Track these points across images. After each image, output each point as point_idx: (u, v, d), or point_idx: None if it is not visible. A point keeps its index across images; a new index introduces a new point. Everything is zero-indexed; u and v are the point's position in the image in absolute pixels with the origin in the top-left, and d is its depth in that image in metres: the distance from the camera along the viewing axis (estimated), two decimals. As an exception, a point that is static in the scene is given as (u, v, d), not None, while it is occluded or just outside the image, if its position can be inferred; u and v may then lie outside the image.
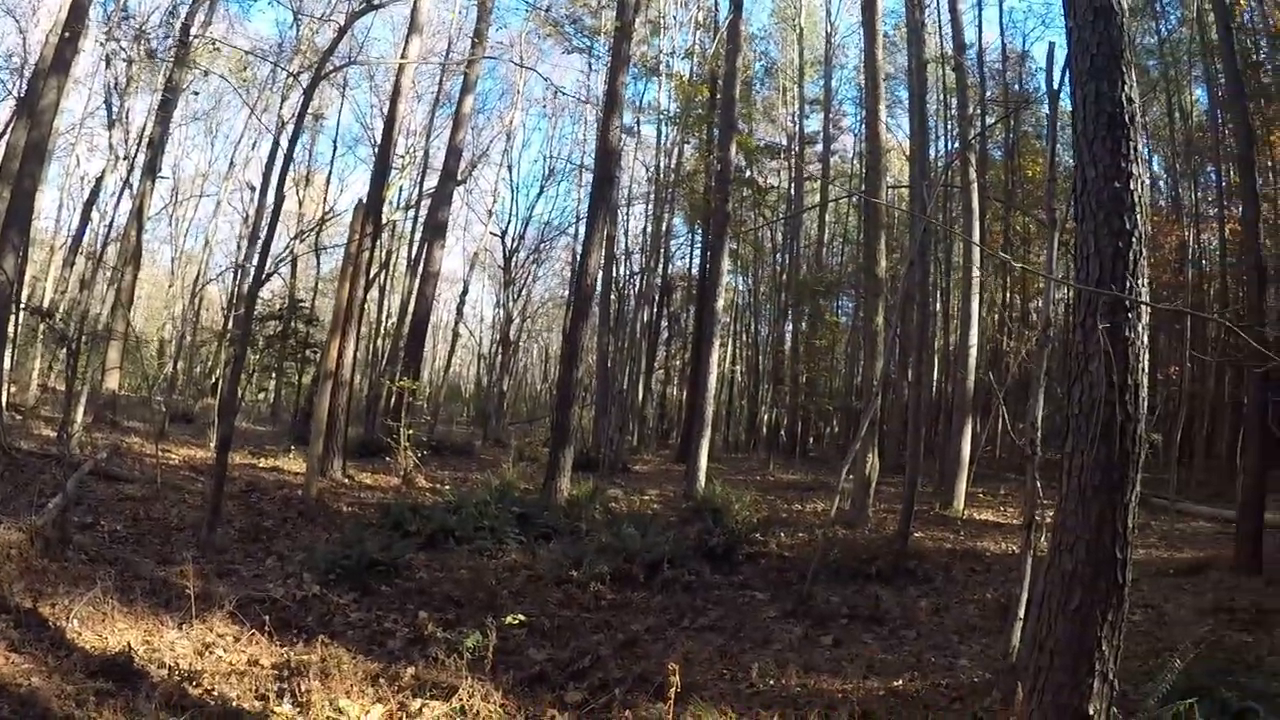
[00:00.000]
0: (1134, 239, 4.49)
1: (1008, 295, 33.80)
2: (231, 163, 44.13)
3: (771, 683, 7.10)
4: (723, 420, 41.13)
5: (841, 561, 11.69)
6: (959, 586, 11.54)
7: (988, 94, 31.70)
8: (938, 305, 31.68)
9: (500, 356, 42.16)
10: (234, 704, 5.89)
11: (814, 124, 40.71)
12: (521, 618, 7.85)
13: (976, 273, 21.22)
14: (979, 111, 27.90)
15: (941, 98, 30.62)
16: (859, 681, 7.19)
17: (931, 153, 23.29)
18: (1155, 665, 6.52)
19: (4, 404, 19.18)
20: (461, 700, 6.00)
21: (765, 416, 40.10)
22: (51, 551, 9.09)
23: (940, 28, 29.48)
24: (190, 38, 27.52)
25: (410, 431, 18.45)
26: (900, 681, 7.27)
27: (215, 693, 6.06)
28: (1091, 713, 4.35)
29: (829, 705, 6.53)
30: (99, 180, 35.75)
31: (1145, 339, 4.53)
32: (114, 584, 8.00)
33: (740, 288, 42.55)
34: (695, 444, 18.89)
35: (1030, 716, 4.52)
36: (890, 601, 10.15)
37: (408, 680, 6.44)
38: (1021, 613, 7.20)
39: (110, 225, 36.44)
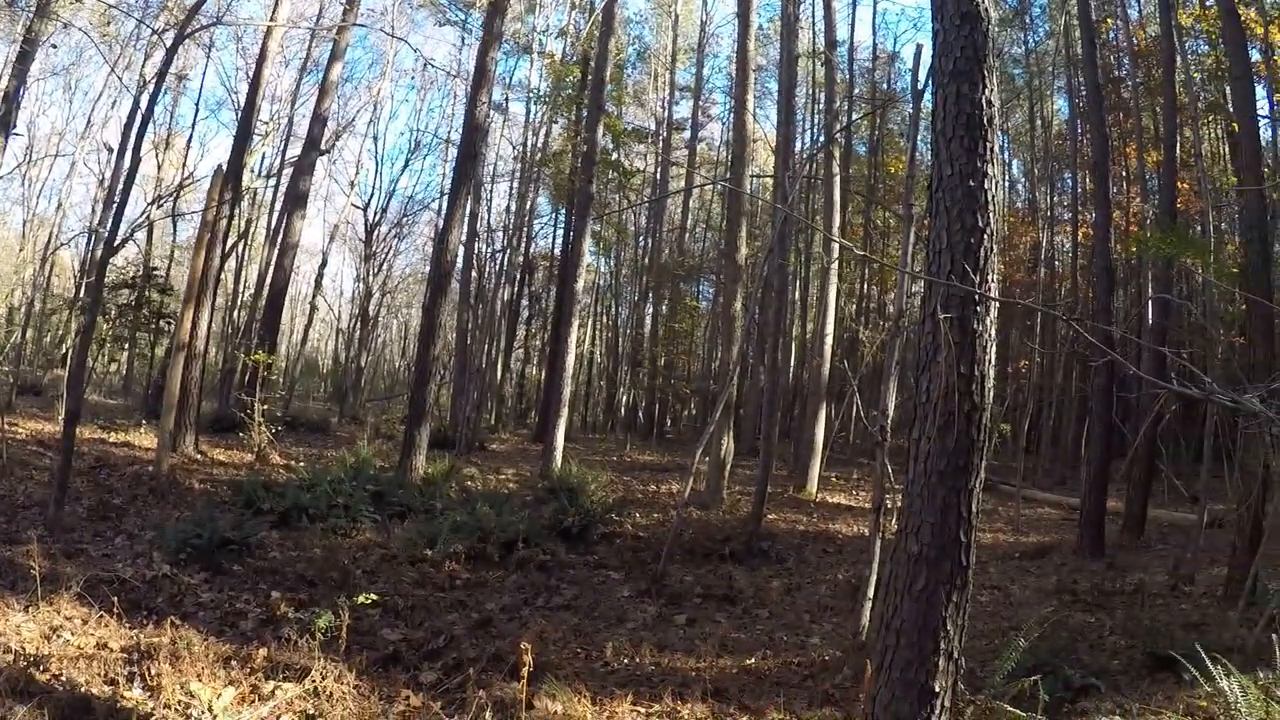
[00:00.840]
0: (985, 236, 4.64)
1: (865, 286, 34.67)
2: (89, 122, 42.44)
3: (626, 661, 7.22)
4: (581, 401, 41.28)
5: (695, 542, 11.92)
6: (811, 567, 11.85)
7: (856, 90, 32.40)
8: (796, 293, 32.34)
9: (359, 332, 41.66)
10: (83, 689, 5.74)
11: (683, 110, 41.20)
12: (375, 597, 7.87)
13: (834, 263, 21.69)
14: (846, 107, 28.45)
15: (811, 92, 31.10)
16: (712, 660, 7.33)
17: (797, 145, 23.60)
18: (1001, 644, 6.81)
19: None
20: (315, 682, 5.98)
21: (623, 398, 40.27)
22: (-113, 531, 8.78)
23: (814, 23, 30.02)
24: (53, -12, 26.51)
25: (265, 407, 18.19)
26: (753, 660, 7.44)
27: (63, 678, 5.90)
28: (938, 689, 4.51)
29: (682, 683, 6.66)
30: None
31: (993, 333, 4.70)
32: (-46, 565, 7.75)
33: (602, 269, 42.58)
34: (552, 423, 18.93)
35: (879, 693, 4.66)
36: (743, 581, 10.38)
37: (260, 662, 6.37)
38: (871, 593, 7.44)
39: None
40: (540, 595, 9.42)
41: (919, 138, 13.83)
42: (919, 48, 7.97)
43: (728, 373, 16.66)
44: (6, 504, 11.32)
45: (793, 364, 32.20)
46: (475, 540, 10.74)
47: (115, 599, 7.32)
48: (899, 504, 5.04)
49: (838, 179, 20.39)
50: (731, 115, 32.77)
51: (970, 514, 4.59)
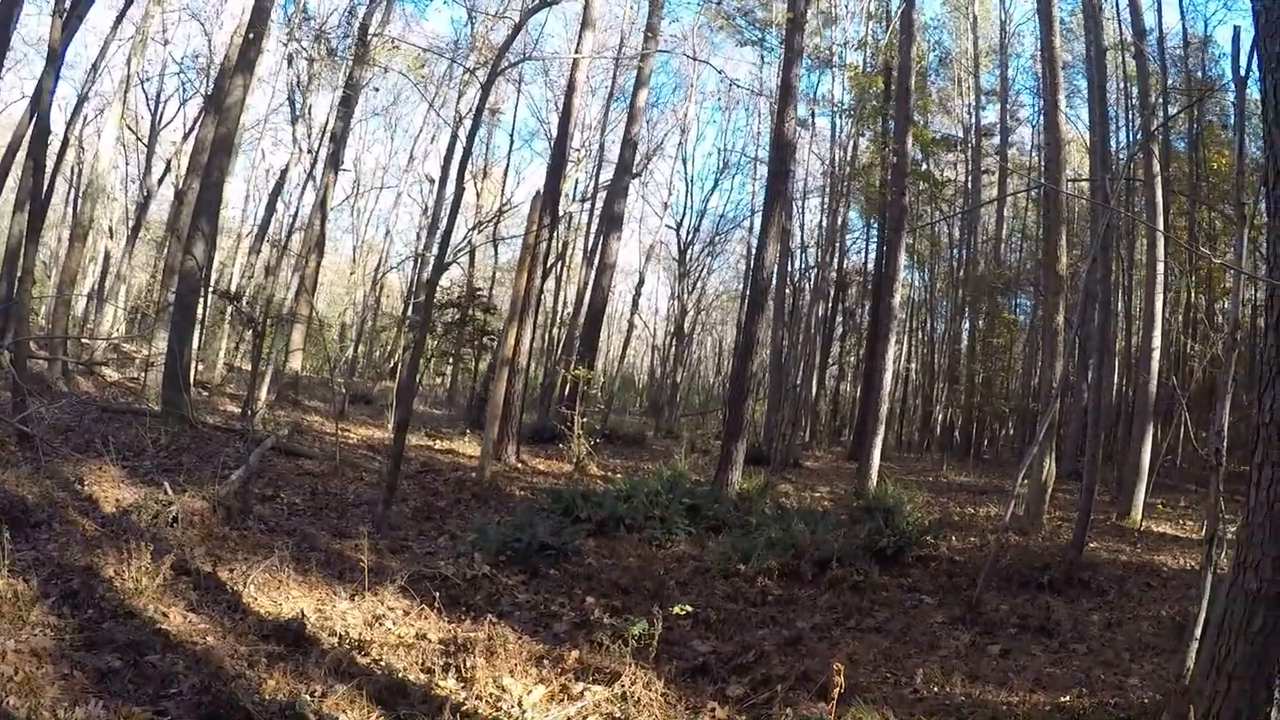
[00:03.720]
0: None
1: (1193, 294, 32.33)
2: (411, 156, 45.91)
3: (936, 690, 6.94)
4: (896, 418, 40.27)
5: (1012, 569, 11.36)
6: (1133, 601, 11.10)
7: (1169, 81, 30.28)
8: (1120, 305, 30.53)
9: (674, 348, 42.34)
10: (400, 675, 6.03)
11: (990, 115, 39.44)
12: (688, 608, 7.85)
13: (1161, 270, 20.36)
14: (1161, 100, 26.69)
15: (1121, 86, 29.26)
16: (1025, 694, 6.96)
17: (1112, 144, 22.26)
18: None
19: (193, 381, 20.12)
20: (624, 687, 6.00)
21: (939, 416, 39.22)
22: (233, 520, 9.58)
23: (1118, 13, 28.16)
24: (369, 36, 28.50)
25: (584, 420, 18.65)
26: (1068, 697, 7.02)
27: (383, 663, 6.24)
28: (1270, 741, 4.14)
29: (993, 717, 6.35)
30: (284, 173, 37.91)
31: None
32: (290, 554, 8.36)
33: (916, 283, 41.66)
34: (868, 442, 18.48)
35: (1204, 742, 4.32)
36: (1061, 613, 9.81)
37: (571, 663, 6.47)
38: (1198, 633, 6.88)
39: (295, 215, 38.53)
40: (852, 616, 9.16)
41: (1245, 129, 12.75)
42: (1237, 30, 7.34)
43: (1049, 390, 15.93)
44: (339, 502, 12.14)
45: (1116, 381, 30.48)
46: (789, 557, 10.57)
47: (436, 594, 7.69)
48: (1234, 536, 4.65)
49: (1159, 179, 19.09)
50: (1040, 117, 31.24)
51: (1320, 548, 4.18)
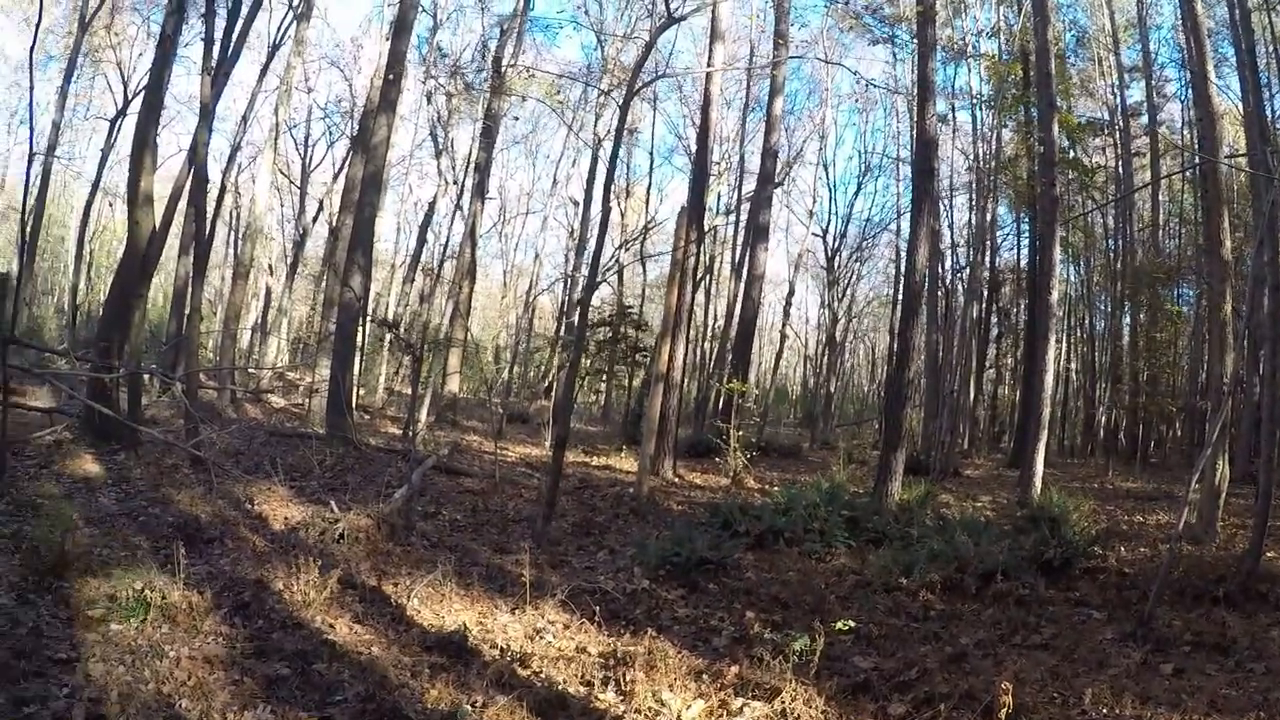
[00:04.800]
0: None
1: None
2: (554, 180, 46.83)
3: (1105, 711, 6.63)
4: (1057, 423, 39.04)
5: (1184, 581, 10.82)
6: (1317, 618, 10.53)
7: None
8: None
9: (826, 357, 41.96)
10: (560, 688, 6.07)
11: (1135, 94, 37.72)
12: (850, 623, 7.70)
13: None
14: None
15: (1272, 50, 27.66)
16: (1200, 718, 6.64)
17: (1268, 112, 21.12)
18: None
19: (355, 405, 20.71)
20: (783, 703, 5.92)
21: (1102, 418, 37.83)
22: (396, 536, 9.85)
23: None
24: (503, 68, 29.10)
25: (739, 432, 18.54)
26: (1244, 723, 6.68)
27: (543, 675, 6.28)
28: None
29: (1166, 741, 6.09)
30: (431, 204, 39.34)
31: None
32: (452, 568, 8.50)
33: (1071, 278, 40.15)
34: (1030, 447, 17.87)
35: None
36: (1238, 629, 9.28)
37: (731, 678, 6.38)
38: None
39: (445, 244, 39.82)
40: (1017, 632, 8.81)
41: None
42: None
43: (1218, 386, 15.23)
44: (499, 518, 12.32)
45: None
46: (952, 570, 10.25)
47: (596, 608, 7.72)
48: None
49: (1321, 145, 18.03)
50: (1188, 90, 29.50)
51: None
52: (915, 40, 21.40)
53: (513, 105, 32.85)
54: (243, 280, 25.63)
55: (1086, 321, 39.95)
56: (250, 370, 29.34)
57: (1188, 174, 29.76)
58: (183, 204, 21.31)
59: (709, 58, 20.96)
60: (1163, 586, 9.59)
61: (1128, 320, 34.95)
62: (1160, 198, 35.93)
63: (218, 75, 19.60)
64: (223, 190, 30.85)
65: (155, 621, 6.56)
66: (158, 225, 16.47)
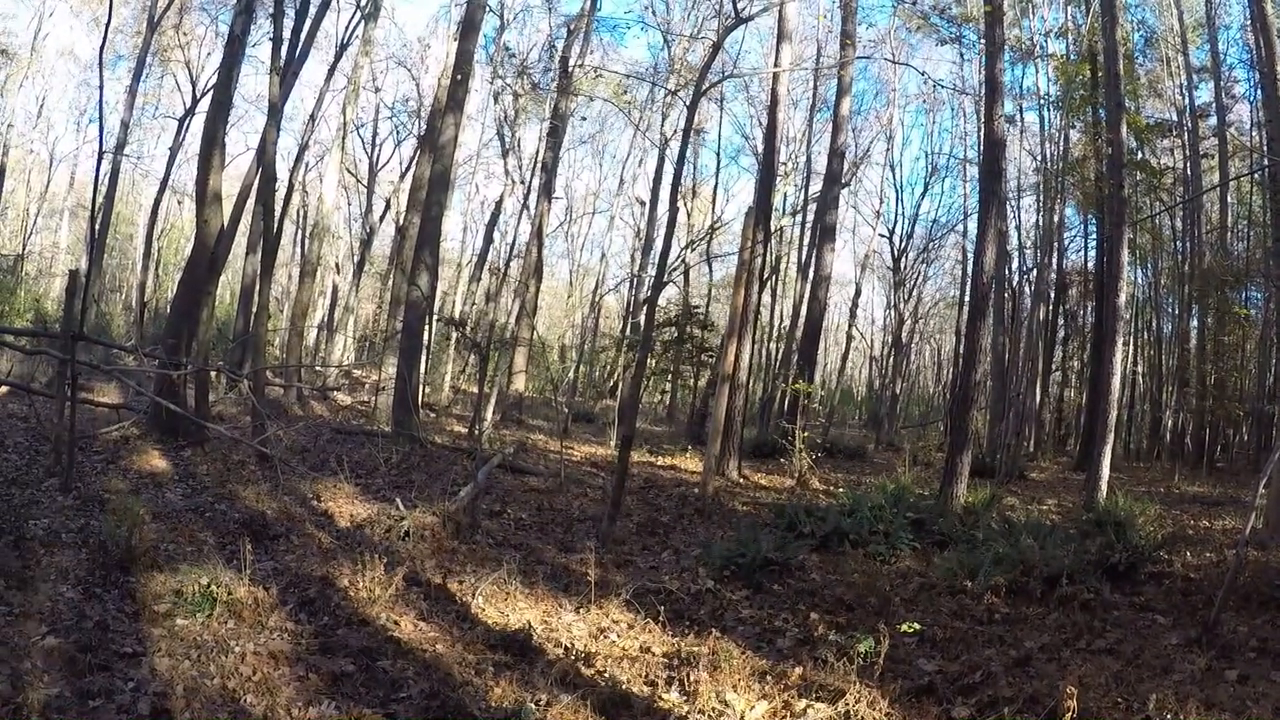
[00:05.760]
0: None
1: None
2: (621, 180, 46.90)
3: (1169, 717, 6.50)
4: (1123, 426, 38.42)
5: (1251, 586, 10.63)
6: (1385, 623, 10.25)
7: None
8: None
9: (892, 358, 41.66)
10: (623, 687, 6.06)
11: (1203, 94, 37.18)
12: (915, 626, 7.65)
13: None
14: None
15: None
16: (1265, 726, 6.49)
17: None
18: None
19: (421, 403, 20.84)
20: (847, 705, 5.85)
21: (1168, 422, 37.19)
22: (461, 534, 9.88)
23: None
24: (570, 68, 29.15)
25: (805, 434, 18.42)
26: (1310, 731, 6.50)
27: (606, 674, 6.28)
28: None
29: (1229, 748, 5.94)
30: (498, 204, 39.58)
31: None
32: (517, 567, 8.52)
33: (1139, 280, 39.55)
34: (1097, 451, 17.58)
35: None
36: (1304, 637, 9.13)
37: (794, 679, 6.35)
38: None
39: (512, 243, 40.01)
40: (1082, 636, 8.68)
41: None
42: None
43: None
44: (563, 517, 12.31)
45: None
46: (1017, 573, 10.11)
47: (660, 608, 7.68)
48: None
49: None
50: (1257, 90, 29.04)
51: None
52: (983, 40, 21.16)
53: (579, 105, 33.08)
54: (310, 278, 25.88)
55: (1154, 324, 39.30)
56: (317, 368, 29.68)
57: (1256, 176, 29.24)
58: (251, 202, 21.54)
59: (776, 58, 20.81)
60: (1228, 592, 9.38)
61: (1195, 323, 34.28)
62: (1229, 199, 35.35)
63: (286, 75, 19.82)
64: (290, 189, 31.25)
65: (221, 617, 6.64)
66: (226, 223, 16.69)
